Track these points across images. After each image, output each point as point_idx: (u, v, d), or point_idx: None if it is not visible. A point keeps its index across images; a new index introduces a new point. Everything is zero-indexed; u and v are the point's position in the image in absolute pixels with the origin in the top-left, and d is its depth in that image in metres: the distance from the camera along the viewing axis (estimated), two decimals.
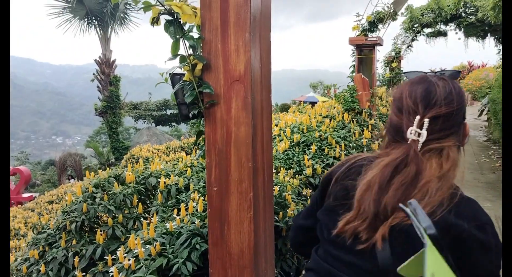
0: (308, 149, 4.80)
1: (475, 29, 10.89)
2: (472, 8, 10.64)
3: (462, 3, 10.54)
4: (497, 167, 7.08)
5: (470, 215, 1.03)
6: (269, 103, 2.25)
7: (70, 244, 3.34)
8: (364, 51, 6.62)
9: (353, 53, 6.75)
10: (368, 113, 6.44)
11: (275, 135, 5.45)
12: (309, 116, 6.11)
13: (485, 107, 10.19)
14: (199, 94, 2.07)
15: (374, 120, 6.63)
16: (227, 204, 2.06)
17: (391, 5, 6.36)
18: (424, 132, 1.09)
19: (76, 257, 3.14)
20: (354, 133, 5.54)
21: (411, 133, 1.10)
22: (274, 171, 4.30)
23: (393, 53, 11.26)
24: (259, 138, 2.11)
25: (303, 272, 1.54)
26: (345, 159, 1.29)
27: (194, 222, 2.65)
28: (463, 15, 10.93)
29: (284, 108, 21.40)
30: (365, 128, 6.00)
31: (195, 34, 2.01)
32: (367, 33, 6.62)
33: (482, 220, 1.04)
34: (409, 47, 11.69)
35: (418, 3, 11.50)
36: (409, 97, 1.14)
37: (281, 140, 5.08)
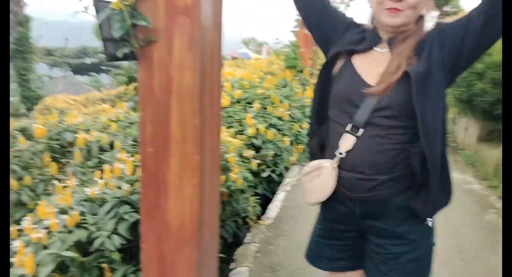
0: (250, 107, 4.46)
1: None
2: None
3: None
4: None
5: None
6: (220, 45, 1.84)
7: None
8: None
9: None
10: (310, 71, 6.20)
11: None
12: (250, 71, 5.73)
13: None
14: (132, 28, 1.59)
15: None
16: (166, 168, 1.66)
17: None
18: None
19: None
20: (297, 92, 5.28)
21: None
22: None
23: None
24: (208, 88, 1.71)
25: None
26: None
27: (121, 187, 2.22)
28: None
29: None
30: (307, 87, 5.76)
31: None
32: None
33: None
34: (348, 6, 11.54)
35: None
36: None
37: None
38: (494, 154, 4.78)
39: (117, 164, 2.41)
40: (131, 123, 3.51)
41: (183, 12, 1.55)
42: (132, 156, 2.60)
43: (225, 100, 4.38)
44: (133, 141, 2.95)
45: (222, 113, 4.25)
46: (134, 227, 2.00)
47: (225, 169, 3.02)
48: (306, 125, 4.79)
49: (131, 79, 1.82)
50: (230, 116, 4.19)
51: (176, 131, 1.64)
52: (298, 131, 4.66)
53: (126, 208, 2.07)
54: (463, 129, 6.10)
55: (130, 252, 2.07)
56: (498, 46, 3.83)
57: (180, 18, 1.56)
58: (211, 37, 1.71)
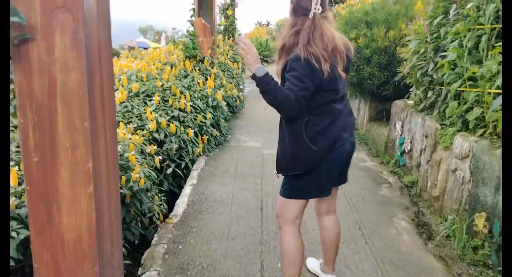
0: (150, 100, 4.28)
1: None
2: None
3: None
4: None
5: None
6: (108, 40, 1.70)
7: None
8: None
9: None
10: (210, 61, 6.14)
11: None
12: (147, 62, 5.49)
13: None
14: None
15: (216, 69, 6.38)
16: (55, 179, 1.51)
17: None
18: (318, 7, 1.93)
19: None
20: (198, 82, 5.20)
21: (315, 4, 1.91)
22: None
23: (228, 1, 11.04)
24: (98, 89, 1.58)
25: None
26: (303, 58, 1.89)
27: None
28: None
29: (113, 54, 19.59)
30: (208, 76, 5.71)
31: None
32: None
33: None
34: None
35: None
36: None
37: (117, 89, 4.42)
38: (383, 132, 5.20)
39: None
40: (15, 127, 3.16)
41: (63, 7, 1.40)
42: (17, 165, 2.35)
43: (122, 94, 4.16)
44: (16, 148, 2.66)
45: (120, 108, 4.04)
46: (24, 245, 1.81)
47: (126, 169, 2.87)
48: (209, 115, 4.76)
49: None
50: (129, 111, 3.99)
51: (64, 138, 1.50)
52: (202, 122, 4.61)
53: (13, 224, 1.86)
54: (356, 110, 6.56)
55: (22, 273, 1.88)
56: (381, 32, 4.09)
57: (60, 13, 1.41)
58: (98, 33, 1.58)
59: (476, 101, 2.96)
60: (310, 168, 1.99)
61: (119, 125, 3.67)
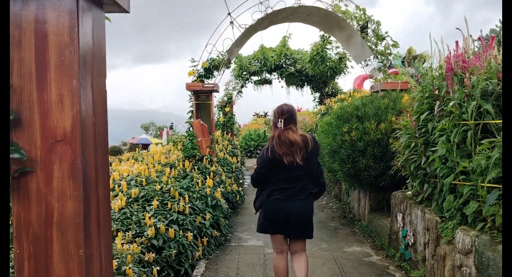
0: (149, 205, 4.30)
1: (295, 78, 12.11)
2: (291, 60, 11.84)
3: (283, 55, 11.64)
4: (324, 205, 7.66)
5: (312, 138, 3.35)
6: (106, 166, 1.78)
7: None
8: (201, 96, 6.53)
9: (191, 98, 6.59)
10: (209, 159, 6.27)
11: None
12: (147, 165, 5.61)
13: None
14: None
15: (215, 166, 6.49)
16: None
17: (226, 53, 6.47)
18: (281, 124, 3.26)
19: None
20: (198, 182, 5.26)
21: (279, 123, 3.27)
22: None
23: (225, 98, 11.61)
24: (94, 215, 1.62)
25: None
26: (264, 149, 3.40)
27: None
28: (284, 65, 12.07)
29: (115, 151, 19.98)
30: (207, 175, 5.79)
31: None
32: (203, 79, 6.57)
33: (316, 140, 3.43)
34: (240, 93, 12.28)
35: (245, 53, 12.28)
36: (276, 112, 3.35)
37: (116, 195, 4.46)
38: (385, 223, 5.14)
39: None
40: None
41: (62, 140, 1.49)
42: None
43: (121, 201, 4.18)
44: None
45: (119, 215, 4.03)
46: None
47: None
48: (209, 216, 4.74)
49: None
50: (128, 218, 3.98)
51: (58, 266, 1.50)
52: (201, 223, 4.57)
53: None
54: (357, 201, 6.54)
55: None
56: (372, 125, 4.23)
57: (59, 146, 1.50)
58: (95, 160, 1.66)
59: (471, 194, 2.99)
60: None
61: (117, 234, 3.64)
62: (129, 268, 2.84)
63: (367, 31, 6.14)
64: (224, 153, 9.08)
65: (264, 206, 3.29)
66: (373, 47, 6.32)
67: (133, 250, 3.29)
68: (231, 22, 6.49)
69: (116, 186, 4.67)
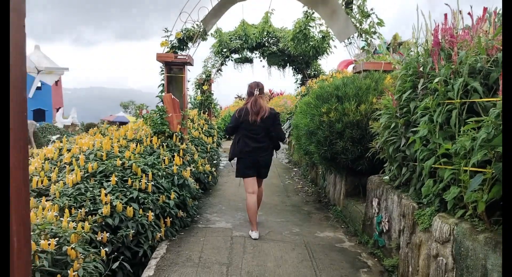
0: (107, 181, 3.96)
1: (277, 58, 11.71)
2: (274, 38, 11.42)
3: (266, 33, 11.21)
4: (300, 189, 7.44)
5: (276, 112, 4.93)
6: (21, 133, 1.44)
7: None
8: (173, 69, 6.14)
9: (162, 71, 6.20)
10: (179, 136, 5.93)
11: (65, 163, 4.41)
12: (111, 139, 5.24)
13: (286, 132, 10.94)
14: None
15: (186, 144, 6.16)
16: None
17: (201, 23, 6.07)
18: (257, 92, 4.81)
19: None
20: (164, 160, 4.93)
21: (256, 91, 4.82)
22: (59, 211, 3.33)
23: (203, 76, 11.21)
24: None
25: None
26: (236, 111, 4.90)
27: None
28: (266, 44, 11.65)
29: (90, 128, 19.41)
30: (175, 153, 5.46)
31: None
32: (176, 50, 6.17)
33: (277, 112, 5.01)
34: (219, 71, 11.86)
35: (226, 29, 11.82)
36: (252, 85, 4.87)
37: (72, 170, 4.10)
38: (360, 209, 4.93)
39: None
40: None
41: None
42: None
43: (76, 175, 3.84)
44: None
45: (73, 191, 3.69)
46: None
47: (64, 265, 2.48)
48: (174, 195, 4.43)
49: None
50: (82, 194, 3.64)
51: None
52: (165, 202, 4.26)
53: None
54: (332, 185, 6.33)
55: None
56: (352, 106, 3.94)
57: None
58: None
59: (452, 179, 2.76)
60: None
61: (70, 212, 3.31)
62: (72, 248, 2.52)
63: (351, 7, 5.82)
64: (200, 133, 8.74)
65: (242, 159, 4.80)
66: (358, 25, 6.02)
67: (82, 229, 2.97)
68: None
69: (74, 160, 4.31)
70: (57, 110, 30.31)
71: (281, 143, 5.18)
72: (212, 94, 11.78)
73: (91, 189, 3.73)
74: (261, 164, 4.76)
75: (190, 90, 11.62)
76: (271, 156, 4.95)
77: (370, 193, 4.47)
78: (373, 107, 4.99)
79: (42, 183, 4.05)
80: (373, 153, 4.42)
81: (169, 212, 4.26)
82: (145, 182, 4.10)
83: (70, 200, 3.57)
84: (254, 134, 4.67)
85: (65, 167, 4.32)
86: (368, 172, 5.00)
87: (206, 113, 10.93)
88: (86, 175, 3.99)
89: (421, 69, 3.44)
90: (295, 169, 9.59)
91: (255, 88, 4.72)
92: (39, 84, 31.12)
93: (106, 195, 3.64)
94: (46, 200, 3.60)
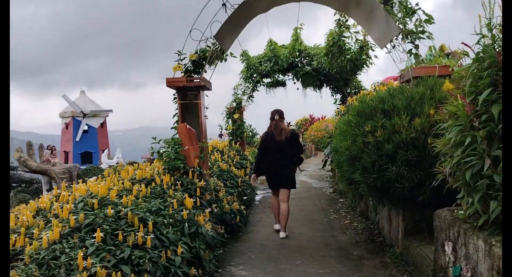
0: (93, 237, 3.10)
1: (312, 78, 10.73)
2: (307, 57, 10.51)
3: (297, 52, 10.32)
4: (347, 225, 6.29)
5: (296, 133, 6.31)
6: None
7: None
8: (188, 95, 5.35)
9: (175, 98, 5.42)
10: (198, 172, 5.05)
11: (53, 216, 3.62)
12: (118, 181, 4.44)
13: (328, 158, 9.85)
14: None
15: (206, 180, 5.25)
16: None
17: (215, 39, 5.28)
18: (277, 117, 5.99)
19: None
20: (172, 203, 4.03)
21: (276, 117, 6.00)
22: None
23: (234, 104, 10.44)
24: None
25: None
26: (263, 134, 6.16)
27: None
28: (299, 64, 10.74)
29: (130, 165, 19.06)
30: (192, 193, 4.56)
31: None
32: (192, 74, 5.41)
33: (297, 133, 6.70)
34: (250, 98, 11.06)
35: (253, 53, 11.03)
36: (273, 112, 5.96)
37: (49, 225, 3.29)
38: (427, 254, 3.78)
39: None
40: None
41: None
42: None
43: (53, 232, 3.01)
44: None
45: (45, 254, 2.86)
46: None
47: None
48: (182, 249, 3.49)
49: None
50: (55, 258, 2.79)
51: None
52: (171, 260, 3.31)
53: None
54: (387, 221, 5.18)
55: None
56: (404, 121, 2.85)
57: None
58: None
59: None
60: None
61: None
62: None
63: (391, 4, 4.84)
64: (230, 165, 7.87)
65: (268, 174, 5.87)
66: (401, 26, 5.01)
67: None
68: (223, 4, 5.33)
69: (61, 211, 3.50)
70: (103, 151, 30.70)
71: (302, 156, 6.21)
72: (244, 122, 10.96)
73: (67, 250, 2.88)
74: (283, 177, 5.67)
75: (220, 120, 10.90)
76: (294, 169, 5.93)
77: (440, 234, 3.33)
78: (431, 120, 3.90)
79: (24, 241, 3.27)
80: (440, 180, 3.30)
81: (175, 272, 3.30)
82: (142, 235, 3.20)
83: (40, 268, 2.72)
84: (278, 152, 5.64)
85: (49, 221, 3.52)
86: (433, 203, 3.87)
87: (238, 143, 10.08)
88: (67, 231, 3.15)
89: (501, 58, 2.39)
90: (341, 200, 8.43)
91: (275, 114, 5.79)
92: (85, 128, 31.84)
93: (86, 257, 2.77)
94: (12, 268, 2.78)
